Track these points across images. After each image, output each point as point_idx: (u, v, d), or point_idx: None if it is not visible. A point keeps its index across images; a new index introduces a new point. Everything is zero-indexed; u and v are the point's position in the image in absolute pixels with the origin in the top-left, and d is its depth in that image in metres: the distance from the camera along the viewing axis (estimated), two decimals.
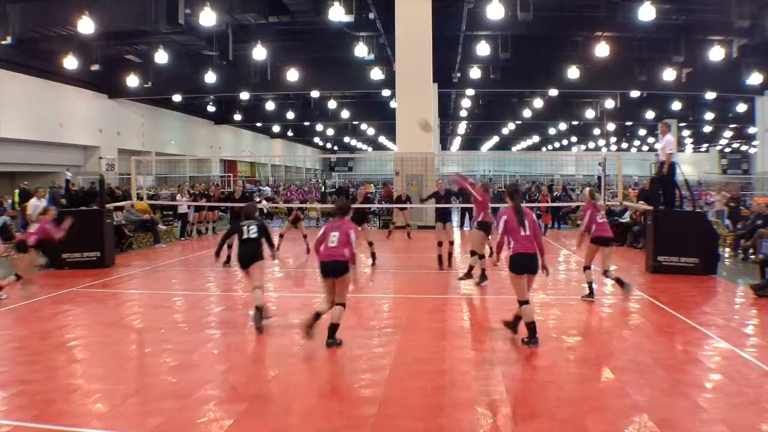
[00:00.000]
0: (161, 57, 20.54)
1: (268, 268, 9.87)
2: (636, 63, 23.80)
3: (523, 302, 6.39)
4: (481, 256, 10.06)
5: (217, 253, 8.28)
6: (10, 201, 20.89)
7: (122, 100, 27.71)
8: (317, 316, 6.33)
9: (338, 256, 6.27)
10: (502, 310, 8.40)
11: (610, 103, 32.23)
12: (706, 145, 50.27)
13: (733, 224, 15.17)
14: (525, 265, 6.41)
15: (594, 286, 8.79)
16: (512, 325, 6.76)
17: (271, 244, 7.71)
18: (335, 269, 6.28)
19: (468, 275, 9.99)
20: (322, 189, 32.03)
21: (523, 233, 6.44)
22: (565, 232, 19.78)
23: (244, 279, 8.48)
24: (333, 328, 6.36)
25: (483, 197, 10.07)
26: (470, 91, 29.45)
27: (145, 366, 6.08)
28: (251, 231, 7.43)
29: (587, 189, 9.64)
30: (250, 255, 7.39)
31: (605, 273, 8.66)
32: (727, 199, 16.51)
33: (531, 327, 6.36)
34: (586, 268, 8.73)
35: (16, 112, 21.44)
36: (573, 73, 23.15)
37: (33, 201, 12.91)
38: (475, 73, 24.06)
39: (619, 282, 8.54)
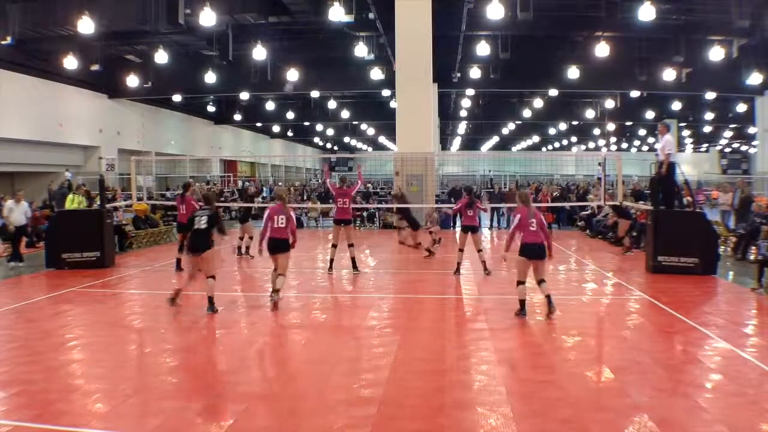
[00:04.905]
0: (161, 57, 20.51)
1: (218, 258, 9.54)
2: (636, 63, 23.74)
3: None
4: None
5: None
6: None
7: (122, 100, 27.65)
8: (524, 303, 7.67)
9: (541, 239, 7.51)
10: (501, 310, 8.41)
11: (610, 103, 32.16)
12: (706, 145, 50.22)
13: (738, 224, 15.06)
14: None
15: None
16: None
17: (222, 232, 8.14)
18: (542, 251, 7.54)
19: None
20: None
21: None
22: (566, 231, 19.77)
23: (247, 281, 8.43)
24: (550, 299, 7.66)
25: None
26: (470, 91, 29.39)
27: (145, 366, 6.07)
28: (201, 222, 7.99)
29: (396, 188, 10.28)
30: (199, 245, 7.95)
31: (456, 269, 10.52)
32: (740, 197, 15.94)
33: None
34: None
35: (16, 112, 21.40)
36: (573, 73, 23.10)
37: (8, 203, 12.69)
38: (475, 73, 24.00)
39: None
